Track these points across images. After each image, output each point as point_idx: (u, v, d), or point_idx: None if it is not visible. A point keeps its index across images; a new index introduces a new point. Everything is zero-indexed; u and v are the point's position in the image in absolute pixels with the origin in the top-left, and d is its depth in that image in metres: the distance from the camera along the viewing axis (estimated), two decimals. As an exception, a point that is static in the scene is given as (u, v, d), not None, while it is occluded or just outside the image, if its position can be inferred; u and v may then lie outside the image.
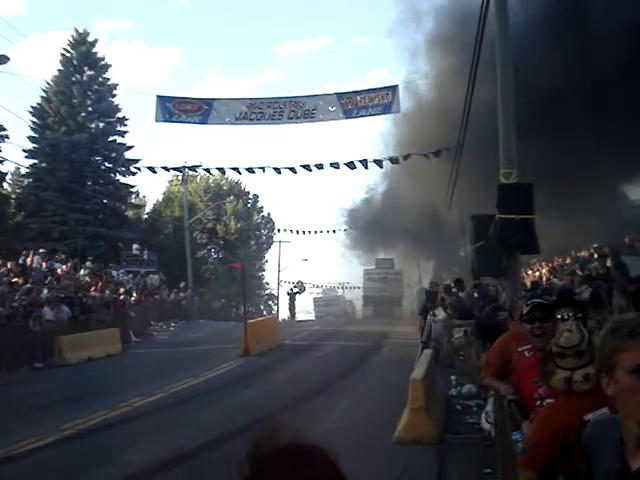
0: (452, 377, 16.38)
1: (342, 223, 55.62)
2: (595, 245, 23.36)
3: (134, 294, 33.56)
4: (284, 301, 61.77)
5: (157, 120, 36.15)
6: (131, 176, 45.28)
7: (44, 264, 29.78)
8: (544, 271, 27.59)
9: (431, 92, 32.35)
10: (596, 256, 19.82)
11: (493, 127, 14.54)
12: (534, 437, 3.76)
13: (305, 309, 67.28)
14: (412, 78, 33.70)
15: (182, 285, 43.18)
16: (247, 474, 1.42)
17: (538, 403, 4.76)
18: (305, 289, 52.90)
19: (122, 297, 30.94)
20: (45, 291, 25.19)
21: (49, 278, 27.65)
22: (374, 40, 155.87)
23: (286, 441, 1.44)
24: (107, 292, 30.00)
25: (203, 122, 36.23)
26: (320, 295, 69.70)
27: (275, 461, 1.41)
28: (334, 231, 56.40)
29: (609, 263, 16.62)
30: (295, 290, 58.20)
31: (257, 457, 1.43)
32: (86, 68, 44.43)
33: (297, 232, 58.86)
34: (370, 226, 50.74)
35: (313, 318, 59.00)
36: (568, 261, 26.75)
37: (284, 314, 58.99)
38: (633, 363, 2.20)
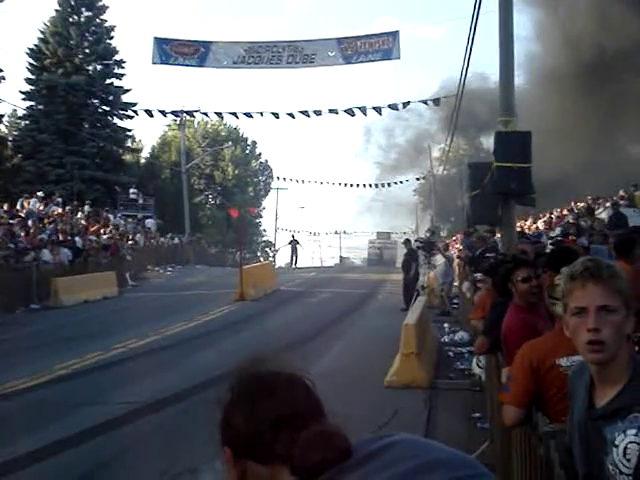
0: (445, 324, 16.52)
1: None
2: (589, 197, 23.39)
3: (130, 238, 33.57)
4: (284, 248, 62.47)
5: (154, 62, 35.72)
6: (128, 120, 45.03)
7: (42, 207, 29.74)
8: (540, 223, 27.63)
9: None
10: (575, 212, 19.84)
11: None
12: (512, 373, 3.85)
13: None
14: None
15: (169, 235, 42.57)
16: (225, 401, 1.49)
17: None
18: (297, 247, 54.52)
19: (119, 241, 30.95)
20: (43, 234, 25.21)
21: (46, 221, 27.64)
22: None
23: (264, 369, 1.50)
24: (104, 236, 30.02)
25: (200, 65, 35.78)
26: (337, 262, 79.06)
27: (252, 386, 1.48)
28: (333, 183, 56.90)
29: (604, 215, 16.62)
30: (295, 237, 58.32)
31: (236, 384, 1.50)
32: (83, 9, 43.76)
33: (296, 181, 58.58)
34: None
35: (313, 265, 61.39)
36: (565, 212, 26.77)
37: (281, 261, 59.31)
38: (574, 305, 2.28)
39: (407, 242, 22.54)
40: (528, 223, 28.89)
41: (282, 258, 60.94)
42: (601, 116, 23.51)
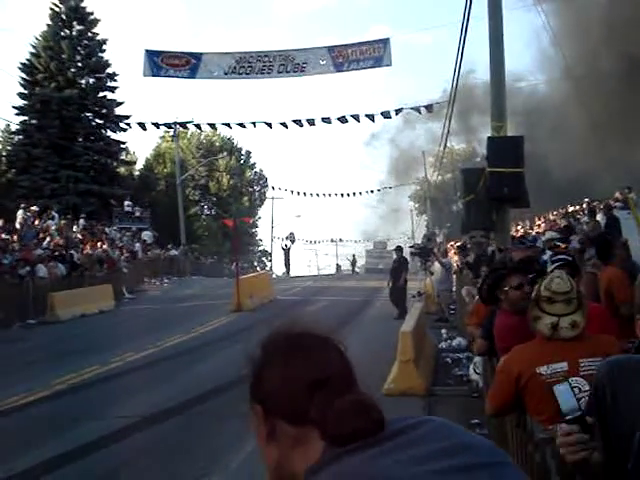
0: (443, 330, 16.50)
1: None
2: (586, 199, 23.38)
3: (127, 250, 33.54)
4: (278, 257, 62.70)
5: (145, 75, 35.54)
6: (122, 132, 45.05)
7: (37, 221, 29.71)
8: (540, 224, 27.65)
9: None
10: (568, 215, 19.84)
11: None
12: (497, 373, 4.02)
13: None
14: None
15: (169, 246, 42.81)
16: (258, 359, 1.49)
17: None
18: (295, 240, 54.62)
19: (115, 254, 30.92)
20: (38, 249, 25.18)
21: (41, 235, 27.62)
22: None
23: (300, 330, 1.52)
24: (100, 249, 29.98)
25: (191, 76, 35.58)
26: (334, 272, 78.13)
27: (285, 346, 1.49)
28: (329, 195, 56.90)
29: (599, 217, 16.63)
30: (288, 246, 58.34)
31: (269, 343, 1.51)
32: (75, 23, 43.83)
33: (291, 192, 58.40)
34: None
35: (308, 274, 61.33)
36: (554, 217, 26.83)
37: (278, 270, 59.39)
38: None
39: (398, 249, 22.44)
40: (521, 227, 28.94)
41: (278, 267, 61.08)
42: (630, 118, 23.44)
